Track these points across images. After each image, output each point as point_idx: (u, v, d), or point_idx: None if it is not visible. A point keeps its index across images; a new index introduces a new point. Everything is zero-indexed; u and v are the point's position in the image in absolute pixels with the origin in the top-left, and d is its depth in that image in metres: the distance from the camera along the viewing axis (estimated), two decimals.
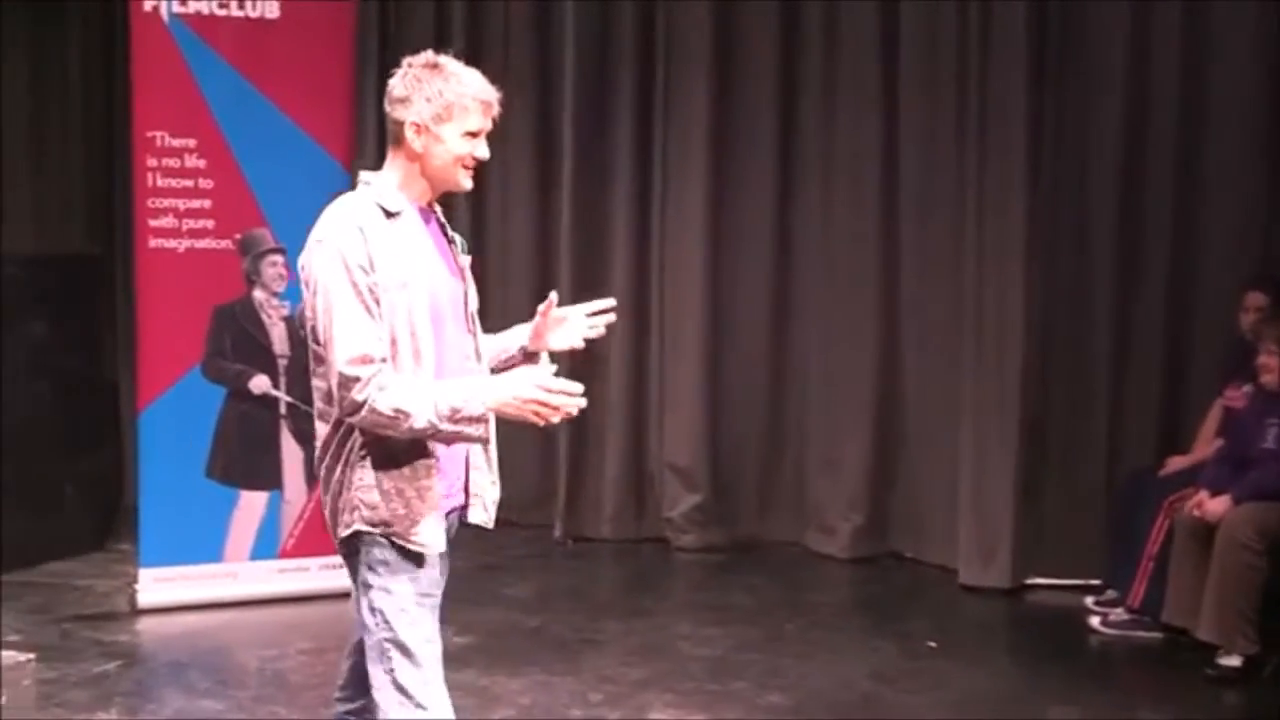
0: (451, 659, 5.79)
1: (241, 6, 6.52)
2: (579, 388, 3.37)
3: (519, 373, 3.46)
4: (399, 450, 3.36)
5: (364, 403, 3.26)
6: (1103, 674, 6.11)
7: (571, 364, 7.87)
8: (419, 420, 3.27)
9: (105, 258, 8.15)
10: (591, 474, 8.12)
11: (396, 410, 3.26)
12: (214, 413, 6.58)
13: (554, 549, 7.96)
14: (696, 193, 7.88)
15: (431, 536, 3.42)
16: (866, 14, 7.55)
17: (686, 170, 7.90)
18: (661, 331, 8.02)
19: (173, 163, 6.46)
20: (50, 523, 7.39)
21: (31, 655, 4.95)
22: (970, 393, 7.20)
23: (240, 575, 6.62)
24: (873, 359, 7.64)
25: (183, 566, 6.53)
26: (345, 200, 3.44)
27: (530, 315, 3.80)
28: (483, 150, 3.50)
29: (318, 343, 3.38)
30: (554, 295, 3.68)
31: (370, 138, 8.02)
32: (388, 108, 3.47)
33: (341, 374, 3.27)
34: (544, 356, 3.72)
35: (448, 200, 7.96)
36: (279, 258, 6.49)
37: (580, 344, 3.73)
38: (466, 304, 3.60)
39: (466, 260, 3.67)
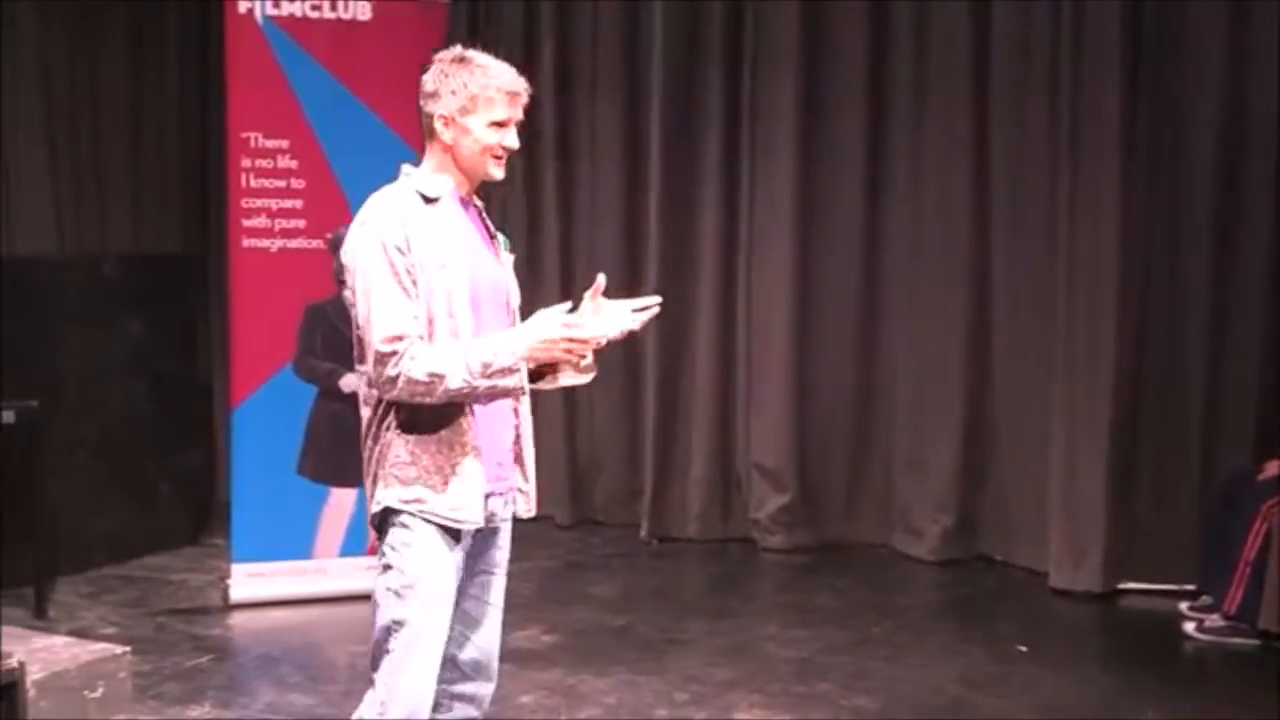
0: (537, 658, 5.91)
1: (334, 8, 6.58)
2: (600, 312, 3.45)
3: (539, 316, 3.45)
4: (435, 428, 3.43)
5: (398, 376, 3.35)
6: (1197, 681, 6.01)
7: (662, 363, 7.98)
8: (454, 380, 3.34)
9: (200, 257, 8.24)
10: (678, 474, 8.10)
11: (430, 374, 3.34)
12: (305, 411, 6.64)
13: (640, 548, 7.95)
14: (784, 192, 7.83)
15: (468, 513, 3.47)
16: (958, 14, 7.46)
17: (774, 170, 7.86)
18: (749, 331, 7.99)
19: (266, 163, 6.55)
20: (146, 518, 7.52)
21: (127, 648, 5.02)
22: (1061, 393, 7.11)
23: (330, 571, 6.68)
24: (962, 359, 7.56)
25: (274, 562, 6.60)
26: (386, 190, 3.54)
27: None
28: (511, 140, 3.56)
29: (359, 326, 3.46)
30: (601, 278, 3.66)
31: None
32: (420, 103, 3.56)
33: (377, 351, 3.36)
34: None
35: (534, 203, 8.14)
36: None
37: (618, 335, 3.66)
38: (509, 298, 3.64)
39: (510, 259, 3.70)
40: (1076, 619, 6.78)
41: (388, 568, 3.51)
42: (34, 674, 4.48)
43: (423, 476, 3.44)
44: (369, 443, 3.52)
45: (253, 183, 6.54)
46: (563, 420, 8.24)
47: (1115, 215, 6.94)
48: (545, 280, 8.08)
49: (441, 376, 3.34)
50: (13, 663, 4.26)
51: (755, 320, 7.97)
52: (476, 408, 3.47)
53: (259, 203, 6.55)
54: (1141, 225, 7.03)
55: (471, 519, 3.48)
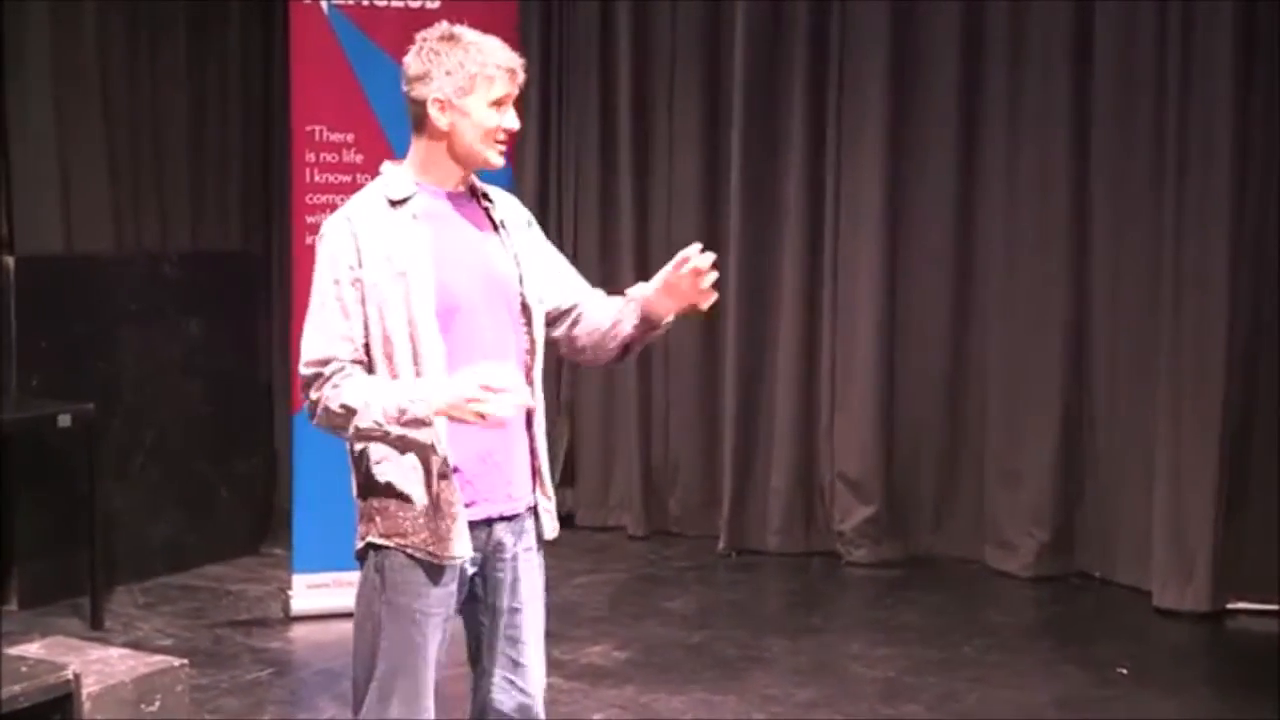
0: (609, 675, 5.72)
1: None
2: (515, 386, 3.15)
3: (462, 373, 3.16)
4: (416, 458, 3.21)
5: (318, 401, 3.18)
6: None
7: (742, 367, 7.79)
8: (364, 419, 3.13)
9: (262, 255, 8.18)
10: (758, 484, 7.88)
11: (344, 406, 3.14)
12: None
13: (718, 561, 7.76)
14: (872, 193, 7.61)
15: (454, 547, 3.23)
16: (1057, 11, 7.18)
17: (861, 171, 7.64)
18: (833, 334, 7.76)
19: (330, 157, 6.43)
20: (205, 525, 7.42)
21: (185, 660, 5.01)
22: (1166, 401, 6.80)
23: None
24: (1058, 365, 7.28)
25: (336, 573, 6.40)
26: (357, 194, 3.36)
27: (694, 315, 3.52)
28: (511, 120, 3.33)
29: None
30: (696, 248, 3.31)
31: (531, 133, 7.94)
32: (405, 88, 3.33)
33: (301, 375, 3.21)
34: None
35: (610, 202, 7.97)
36: None
37: (701, 302, 3.35)
38: (523, 293, 3.38)
39: (541, 243, 3.49)
40: (1182, 640, 6.53)
41: (362, 603, 3.33)
42: (89, 686, 4.45)
43: (405, 512, 3.23)
44: (351, 472, 3.34)
45: (316, 178, 6.43)
46: (637, 426, 8.06)
47: (1225, 218, 6.63)
48: (622, 281, 7.88)
49: (354, 412, 3.13)
50: (68, 675, 4.22)
51: (840, 325, 7.74)
52: (471, 428, 3.21)
53: (323, 198, 6.39)
54: (1253, 229, 6.73)
55: (452, 554, 3.24)
